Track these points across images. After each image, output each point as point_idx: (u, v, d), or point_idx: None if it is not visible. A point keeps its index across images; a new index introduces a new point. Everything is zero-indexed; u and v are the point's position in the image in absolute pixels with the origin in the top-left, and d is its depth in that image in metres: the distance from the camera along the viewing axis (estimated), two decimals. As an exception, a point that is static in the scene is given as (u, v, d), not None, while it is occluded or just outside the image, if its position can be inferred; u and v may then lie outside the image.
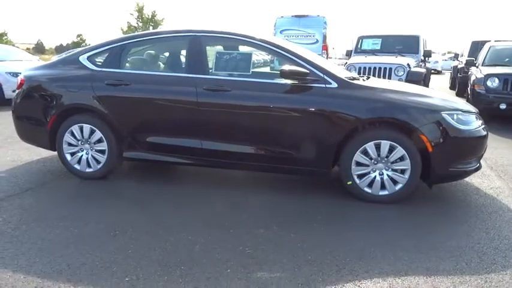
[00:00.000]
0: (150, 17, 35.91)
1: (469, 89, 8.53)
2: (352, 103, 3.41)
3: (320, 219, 3.17)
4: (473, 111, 3.65)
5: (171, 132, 3.78)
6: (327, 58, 11.66)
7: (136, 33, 3.96)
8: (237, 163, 3.70)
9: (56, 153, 4.44)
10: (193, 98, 3.60)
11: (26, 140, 4.31)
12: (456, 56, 14.87)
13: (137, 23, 36.25)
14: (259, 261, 2.49)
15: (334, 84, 3.48)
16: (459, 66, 13.35)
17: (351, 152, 3.45)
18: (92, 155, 3.95)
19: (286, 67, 3.42)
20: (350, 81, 3.56)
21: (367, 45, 9.72)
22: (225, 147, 3.66)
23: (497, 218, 3.25)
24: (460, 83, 11.55)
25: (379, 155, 3.42)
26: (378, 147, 3.41)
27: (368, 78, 4.06)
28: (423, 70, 8.56)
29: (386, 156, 3.41)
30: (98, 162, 3.95)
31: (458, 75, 12.32)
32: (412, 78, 7.47)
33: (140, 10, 35.40)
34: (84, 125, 3.90)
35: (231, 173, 4.23)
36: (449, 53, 36.23)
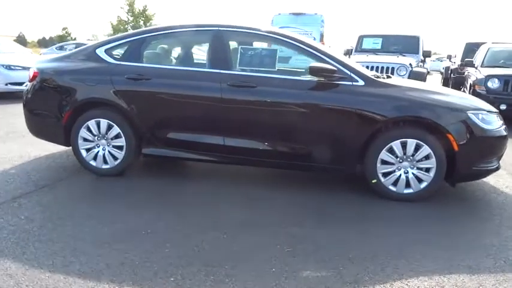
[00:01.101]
0: (141, 11, 35.43)
1: (466, 89, 8.67)
2: (379, 101, 3.41)
3: (348, 218, 3.16)
4: (495, 111, 3.69)
5: (193, 129, 3.71)
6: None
7: (157, 26, 3.86)
8: (261, 160, 3.67)
9: (64, 148, 4.36)
10: (218, 94, 3.54)
11: (37, 135, 4.17)
12: (449, 57, 15.14)
13: (127, 17, 35.75)
14: (301, 260, 2.46)
15: (361, 82, 3.47)
16: (452, 67, 13.60)
17: (376, 150, 3.44)
18: (108, 151, 3.85)
19: (316, 64, 3.39)
20: (376, 79, 3.56)
21: (367, 44, 9.77)
22: (248, 144, 3.61)
23: (521, 216, 3.30)
24: (453, 83, 11.75)
25: (404, 154, 3.42)
26: (403, 145, 3.41)
27: (389, 77, 4.05)
28: (424, 70, 8.66)
29: (412, 155, 3.42)
30: (115, 158, 3.84)
31: (452, 75, 12.54)
32: (414, 78, 7.53)
33: (131, 4, 34.88)
34: (102, 120, 3.79)
35: (244, 169, 4.18)
36: (435, 54, 36.78)
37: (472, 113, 3.40)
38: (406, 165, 3.45)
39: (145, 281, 2.19)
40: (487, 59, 8.57)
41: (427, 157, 3.40)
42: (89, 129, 3.83)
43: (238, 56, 3.67)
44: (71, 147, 3.95)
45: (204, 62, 3.73)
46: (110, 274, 2.25)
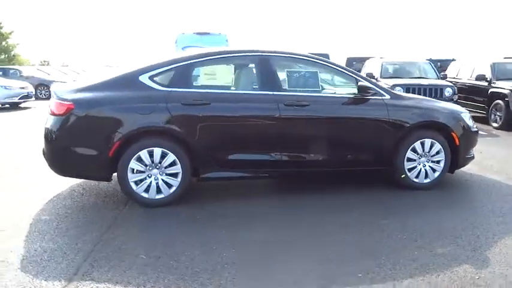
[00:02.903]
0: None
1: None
2: (405, 110, 4.20)
3: (410, 206, 3.91)
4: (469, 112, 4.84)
5: (253, 148, 3.92)
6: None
7: (201, 52, 3.91)
8: (318, 170, 4.10)
9: (63, 187, 4.20)
10: (276, 113, 3.85)
11: (72, 174, 3.78)
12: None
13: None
14: (423, 243, 3.02)
15: (388, 96, 4.21)
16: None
17: (404, 151, 4.22)
18: (162, 180, 3.73)
19: (363, 83, 4.02)
20: (397, 93, 4.36)
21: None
22: (305, 157, 4.01)
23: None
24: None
25: (423, 151, 4.28)
26: (422, 144, 4.27)
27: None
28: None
29: (428, 151, 4.30)
30: (170, 186, 3.75)
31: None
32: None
33: (-18, 22, 29.61)
34: (155, 149, 3.67)
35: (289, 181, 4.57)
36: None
37: (464, 115, 4.48)
38: (423, 160, 4.31)
39: (332, 286, 2.48)
40: (383, 71, 10.45)
41: (438, 152, 4.31)
42: (139, 160, 3.66)
43: (286, 78, 4.04)
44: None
45: (258, 85, 3.96)
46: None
